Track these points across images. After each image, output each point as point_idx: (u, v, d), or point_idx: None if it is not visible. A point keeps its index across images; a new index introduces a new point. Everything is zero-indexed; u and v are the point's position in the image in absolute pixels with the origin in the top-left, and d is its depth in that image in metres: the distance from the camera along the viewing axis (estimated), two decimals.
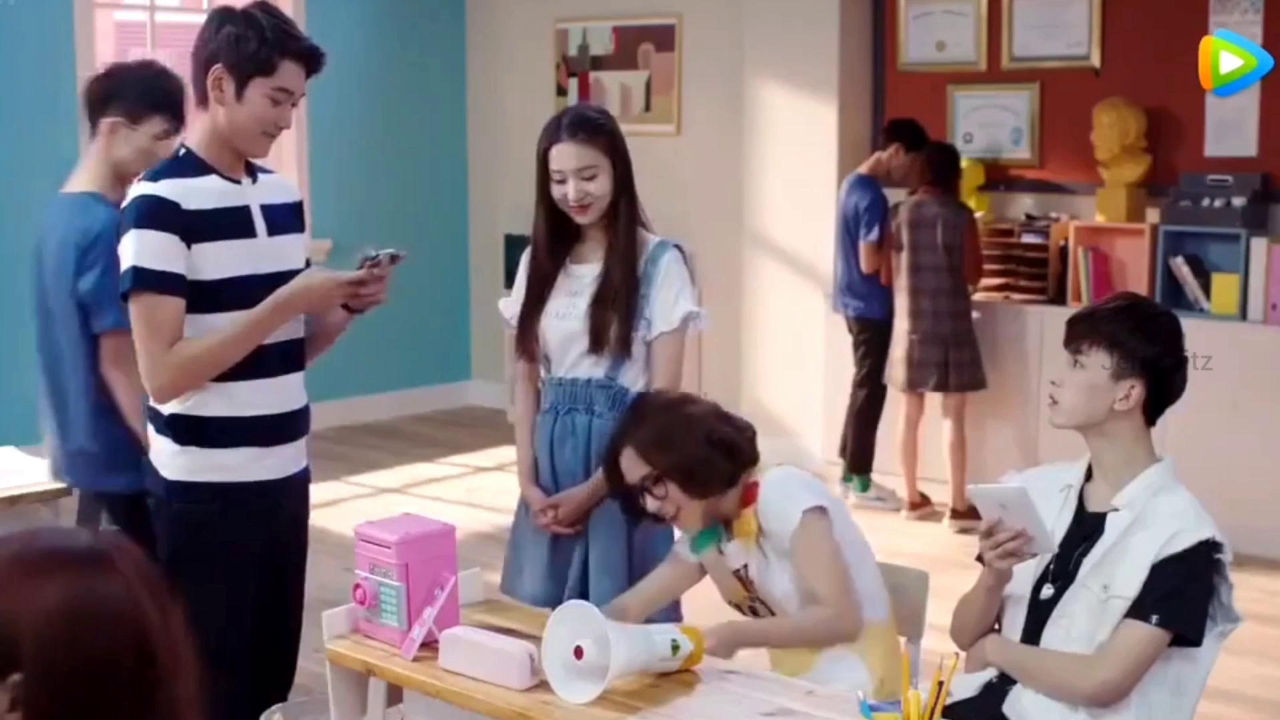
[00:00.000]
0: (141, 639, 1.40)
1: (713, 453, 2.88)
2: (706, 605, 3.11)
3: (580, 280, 3.23)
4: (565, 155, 3.15)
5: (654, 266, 3.21)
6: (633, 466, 2.90)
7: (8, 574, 1.39)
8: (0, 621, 1.36)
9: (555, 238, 3.25)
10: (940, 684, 2.25)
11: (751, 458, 2.95)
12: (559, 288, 3.25)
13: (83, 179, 3.49)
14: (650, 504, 2.91)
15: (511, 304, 3.36)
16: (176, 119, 3.49)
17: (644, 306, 3.19)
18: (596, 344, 3.18)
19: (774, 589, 2.89)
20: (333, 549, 4.91)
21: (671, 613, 3.11)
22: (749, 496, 2.91)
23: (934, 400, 6.35)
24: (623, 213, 3.20)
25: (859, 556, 2.94)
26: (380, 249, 2.97)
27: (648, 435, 2.89)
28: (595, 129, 3.18)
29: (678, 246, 3.28)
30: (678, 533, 3.03)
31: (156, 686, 1.41)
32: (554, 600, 3.07)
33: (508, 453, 7.41)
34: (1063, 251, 6.36)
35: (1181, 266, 6.03)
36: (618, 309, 3.17)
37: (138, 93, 3.47)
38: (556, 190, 3.17)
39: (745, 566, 2.94)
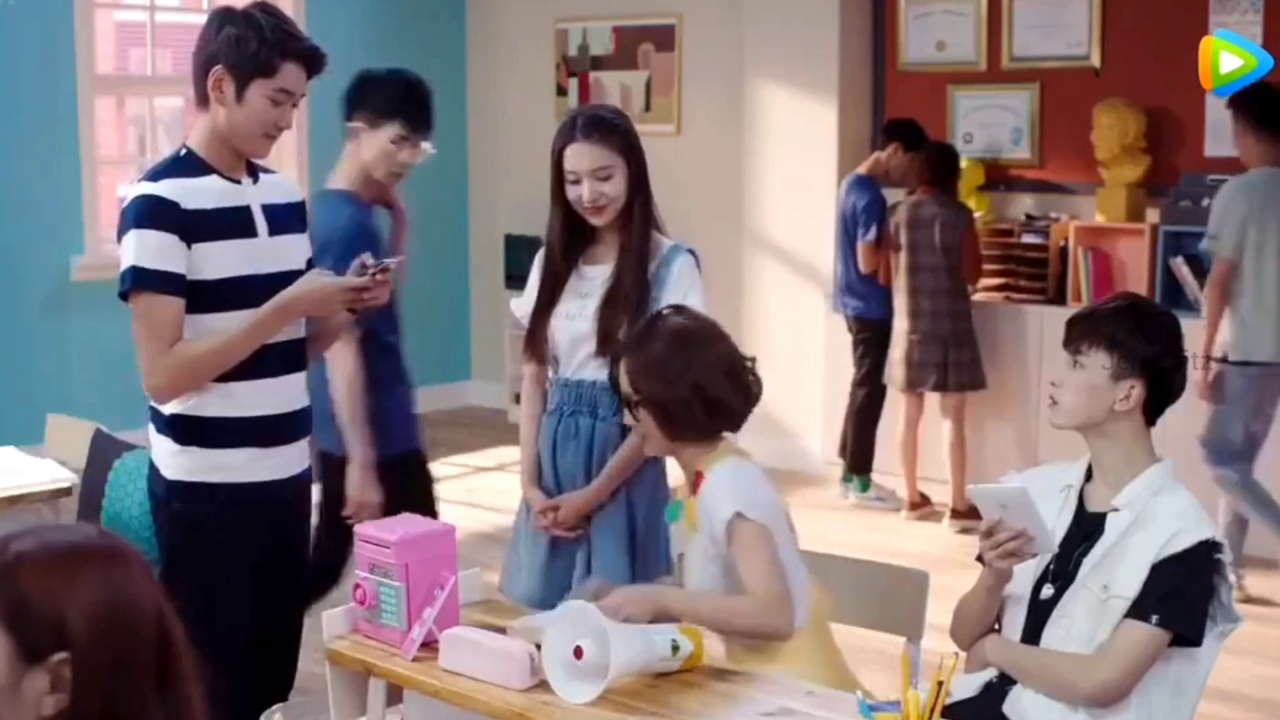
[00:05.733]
0: (160, 621, 1.58)
1: (695, 402, 2.77)
2: None
3: (591, 282, 3.21)
4: (580, 156, 3.12)
5: (666, 270, 3.18)
6: (623, 381, 2.85)
7: (47, 565, 1.53)
8: (46, 606, 1.50)
9: (570, 239, 3.22)
10: (940, 684, 2.25)
11: (732, 423, 2.84)
12: (570, 289, 3.23)
13: (339, 177, 3.77)
14: (628, 417, 2.93)
15: (524, 304, 3.34)
16: (414, 126, 3.69)
17: (654, 310, 3.17)
18: (604, 346, 3.16)
19: (689, 578, 2.84)
20: None
21: None
22: (695, 485, 2.83)
23: (934, 400, 6.35)
24: (637, 214, 3.17)
25: (793, 565, 2.83)
26: (380, 259, 3.00)
27: (642, 360, 2.81)
28: (610, 129, 3.15)
29: (691, 251, 3.24)
30: (676, 545, 2.97)
31: (172, 662, 1.58)
32: (551, 603, 3.04)
33: (508, 453, 7.44)
34: (1063, 251, 6.36)
35: (1181, 266, 6.02)
36: (627, 311, 3.13)
37: (380, 98, 3.67)
38: (571, 191, 3.14)
39: (680, 556, 2.90)
